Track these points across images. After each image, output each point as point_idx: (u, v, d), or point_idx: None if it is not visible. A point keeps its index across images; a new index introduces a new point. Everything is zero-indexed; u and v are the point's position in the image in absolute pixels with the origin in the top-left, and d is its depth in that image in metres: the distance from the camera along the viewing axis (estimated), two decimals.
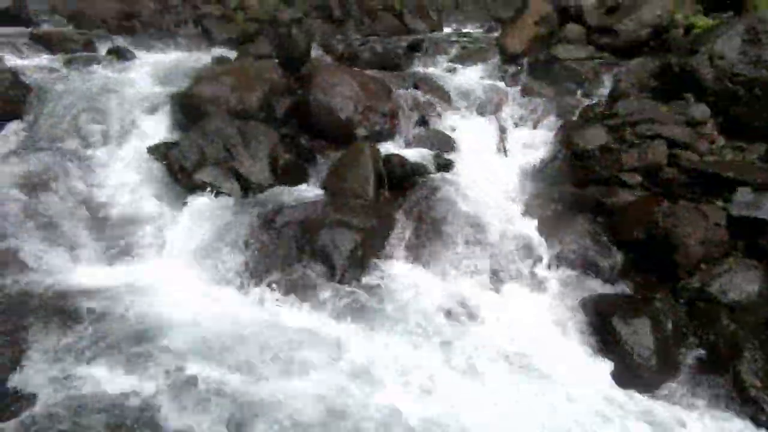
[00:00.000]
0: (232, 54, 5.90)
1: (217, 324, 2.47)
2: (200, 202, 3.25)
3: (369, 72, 4.69)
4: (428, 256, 3.19)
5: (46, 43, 5.82)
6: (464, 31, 9.31)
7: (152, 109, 4.14)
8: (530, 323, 2.72)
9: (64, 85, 4.45)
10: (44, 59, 5.51)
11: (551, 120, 4.15)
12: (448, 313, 2.79)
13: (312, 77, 4.20)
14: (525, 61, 4.76)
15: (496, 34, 8.68)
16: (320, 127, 4.05)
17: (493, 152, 4.09)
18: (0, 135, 3.69)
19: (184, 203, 3.25)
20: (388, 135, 4.15)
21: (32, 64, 5.21)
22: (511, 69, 4.83)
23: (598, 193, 3.17)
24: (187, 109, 4.02)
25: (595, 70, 4.40)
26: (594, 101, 4.07)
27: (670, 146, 3.23)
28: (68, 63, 5.28)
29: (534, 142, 4.01)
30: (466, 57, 5.51)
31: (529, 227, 3.23)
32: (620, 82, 4.02)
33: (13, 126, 3.78)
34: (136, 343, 2.27)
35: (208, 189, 3.29)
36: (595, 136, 3.44)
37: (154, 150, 3.64)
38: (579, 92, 4.31)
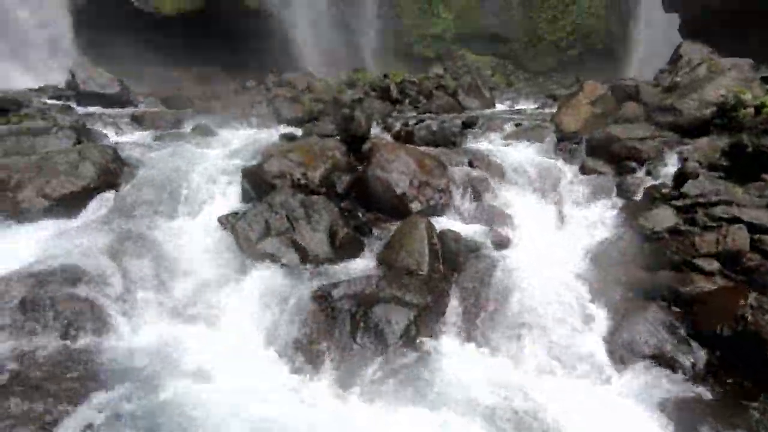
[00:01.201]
0: (299, 132, 6.42)
1: (266, 401, 2.47)
2: (262, 271, 3.40)
3: (425, 149, 4.90)
4: (482, 336, 3.06)
5: (142, 122, 6.67)
6: (517, 108, 9.58)
7: (227, 181, 4.53)
8: (593, 421, 2.47)
9: (154, 159, 5.02)
10: (139, 136, 6.30)
11: (613, 199, 4.05)
12: (503, 399, 2.60)
13: (371, 154, 4.45)
14: (582, 138, 4.76)
15: (549, 111, 8.92)
16: (377, 202, 4.21)
17: (551, 230, 4.00)
18: (96, 204, 4.16)
19: (248, 272, 3.41)
20: (443, 210, 4.22)
21: (130, 140, 5.97)
22: (568, 147, 4.84)
23: (671, 280, 2.96)
24: (257, 182, 4.35)
25: (657, 148, 4.31)
26: (659, 181, 3.94)
27: (750, 231, 3.01)
28: (159, 139, 5.99)
29: (595, 221, 3.90)
30: (521, 134, 5.62)
31: (594, 312, 3.04)
32: (687, 161, 3.89)
33: (108, 195, 4.26)
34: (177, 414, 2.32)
35: (271, 259, 3.45)
36: (663, 218, 3.30)
37: (224, 220, 3.92)
38: (641, 171, 4.20)
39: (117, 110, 7.87)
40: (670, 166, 4.13)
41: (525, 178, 4.49)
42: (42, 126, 4.87)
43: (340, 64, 17.04)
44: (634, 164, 4.27)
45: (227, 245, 3.68)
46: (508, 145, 5.37)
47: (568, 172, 4.51)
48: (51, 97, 8.67)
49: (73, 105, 8.14)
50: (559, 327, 2.98)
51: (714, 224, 3.11)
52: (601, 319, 2.98)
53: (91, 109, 7.90)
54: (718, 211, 3.17)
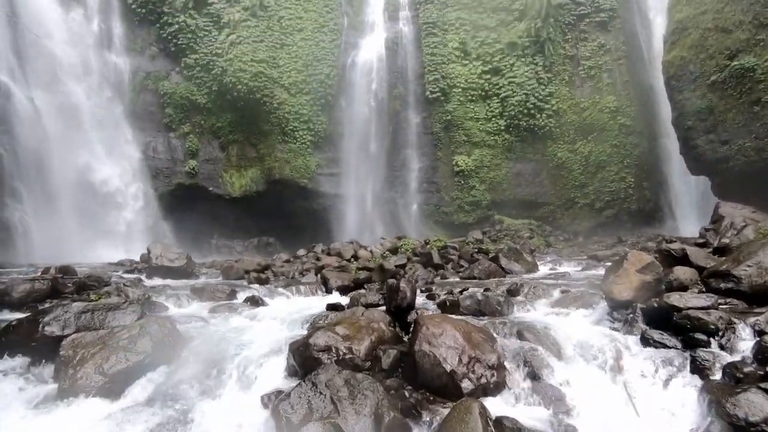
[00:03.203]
0: (345, 300, 6.60)
1: None
2: None
3: (471, 320, 4.82)
4: None
5: (200, 294, 7.14)
6: (561, 270, 9.53)
7: (274, 356, 4.54)
8: None
9: (206, 333, 5.22)
10: (197, 307, 6.69)
11: (686, 377, 3.64)
12: None
13: (417, 327, 4.41)
14: (637, 308, 4.56)
15: (594, 273, 8.80)
16: (425, 379, 3.99)
17: (619, 414, 3.54)
18: (146, 380, 4.22)
19: None
20: (495, 389, 3.91)
21: (187, 312, 6.33)
22: (623, 317, 4.62)
23: None
24: (303, 357, 4.33)
25: (725, 320, 4.01)
26: (737, 357, 3.57)
27: None
28: (213, 311, 6.31)
29: (670, 404, 3.44)
30: (570, 302, 5.48)
31: None
32: (764, 335, 3.57)
33: (160, 371, 4.34)
34: None
35: None
36: (757, 405, 2.87)
37: (267, 399, 3.81)
38: (713, 344, 3.85)
39: (180, 282, 8.57)
40: (747, 340, 3.77)
41: (582, 351, 4.20)
42: (115, 302, 5.33)
43: (384, 232, 18.31)
44: (703, 337, 3.94)
45: (270, 427, 3.49)
46: (557, 314, 5.20)
47: (629, 344, 4.20)
48: (127, 271, 9.67)
49: (143, 278, 8.99)
50: None
51: None
52: None
53: (159, 281, 8.66)
54: None
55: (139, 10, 18.32)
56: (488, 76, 19.29)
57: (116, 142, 17.14)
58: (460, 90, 19.23)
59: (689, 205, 18.67)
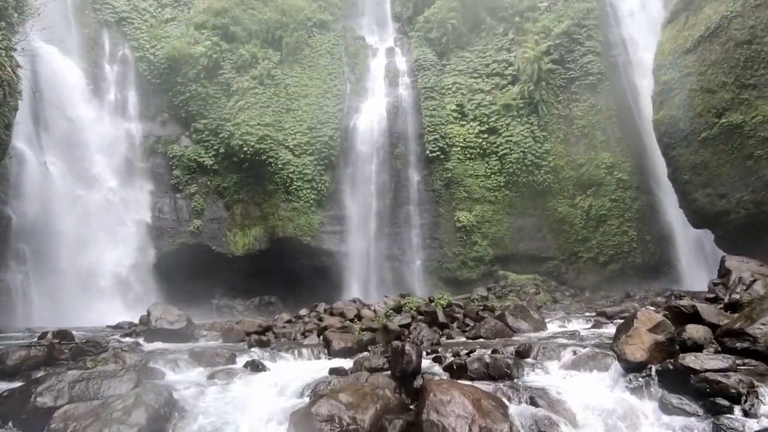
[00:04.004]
0: (349, 363, 6.37)
1: None
2: None
3: (480, 385, 4.63)
4: None
5: (199, 358, 6.92)
6: (570, 328, 9.27)
7: (276, 426, 4.32)
8: None
9: (203, 402, 5.01)
10: (194, 373, 6.45)
11: None
12: None
13: (424, 394, 4.23)
14: (652, 370, 4.39)
15: (605, 331, 8.55)
16: None
17: None
18: None
19: None
20: None
21: (185, 378, 6.10)
22: (638, 380, 4.43)
23: None
24: (306, 427, 4.12)
25: (744, 382, 3.85)
26: (764, 425, 3.38)
27: None
28: (212, 377, 6.09)
29: None
30: (582, 363, 5.29)
31: None
32: None
33: None
34: None
35: None
36: None
37: None
38: (736, 411, 3.67)
39: (179, 345, 8.34)
40: None
41: (598, 420, 3.99)
42: (111, 369, 5.17)
43: (387, 289, 18.07)
44: (725, 402, 3.76)
45: None
46: (570, 377, 5.00)
47: (647, 411, 4.00)
48: (125, 334, 9.44)
49: (142, 341, 8.76)
50: None
51: None
52: None
53: (157, 345, 8.43)
54: None
55: (154, 80, 19.44)
56: (486, 136, 19.97)
57: (125, 205, 17.46)
58: (459, 149, 19.83)
59: (695, 258, 18.50)
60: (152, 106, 19.64)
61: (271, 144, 19.13)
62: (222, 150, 19.20)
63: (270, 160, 19.05)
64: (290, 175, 19.19)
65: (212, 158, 19.35)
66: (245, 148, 18.84)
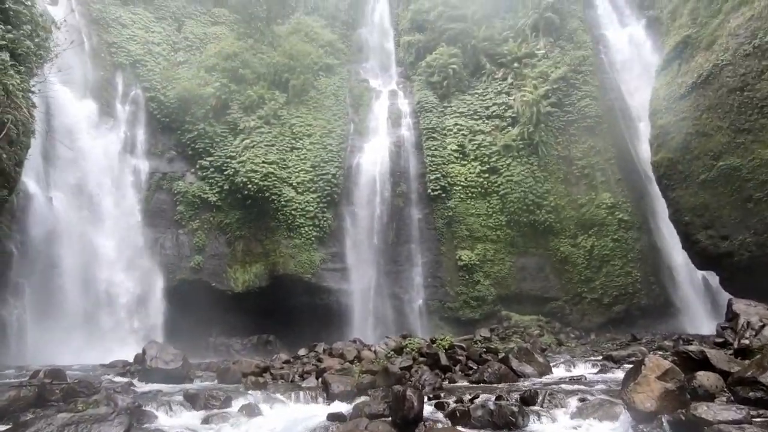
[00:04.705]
0: (348, 408, 6.16)
1: None
2: None
3: None
4: None
5: (193, 401, 6.70)
6: (576, 373, 9.00)
7: None
8: None
9: None
10: (188, 417, 6.24)
11: None
12: None
13: None
14: (663, 421, 4.22)
15: (612, 377, 8.30)
16: None
17: None
18: None
19: None
20: None
21: (178, 423, 5.90)
22: (649, 431, 4.26)
23: None
24: None
25: None
26: None
27: None
28: (206, 421, 5.89)
29: None
30: (590, 412, 5.10)
31: None
32: None
33: None
34: None
35: None
36: None
37: None
38: None
39: (174, 386, 8.10)
40: None
41: None
42: (102, 413, 5.00)
43: (388, 329, 17.72)
44: None
45: None
46: (578, 427, 4.80)
47: None
48: (119, 374, 9.19)
49: (136, 382, 8.52)
50: None
51: None
52: None
53: (152, 386, 8.19)
54: None
55: (164, 119, 20.00)
56: (487, 175, 20.23)
57: (129, 242, 17.49)
58: (460, 188, 20.04)
59: (701, 300, 18.20)
60: (160, 144, 20.07)
61: (275, 181, 19.39)
62: (226, 186, 19.44)
63: (273, 197, 19.24)
64: (293, 212, 19.32)
65: (216, 194, 19.55)
66: (249, 185, 19.07)
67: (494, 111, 21.35)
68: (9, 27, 9.84)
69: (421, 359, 9.95)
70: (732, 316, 9.81)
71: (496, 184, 20.07)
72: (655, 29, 20.34)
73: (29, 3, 10.66)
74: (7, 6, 9.90)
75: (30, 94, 10.54)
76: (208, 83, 20.50)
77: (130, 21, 20.81)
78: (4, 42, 9.54)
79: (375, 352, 10.84)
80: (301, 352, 12.59)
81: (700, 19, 15.22)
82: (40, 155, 14.97)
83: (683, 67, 15.32)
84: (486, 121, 21.26)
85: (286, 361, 11.21)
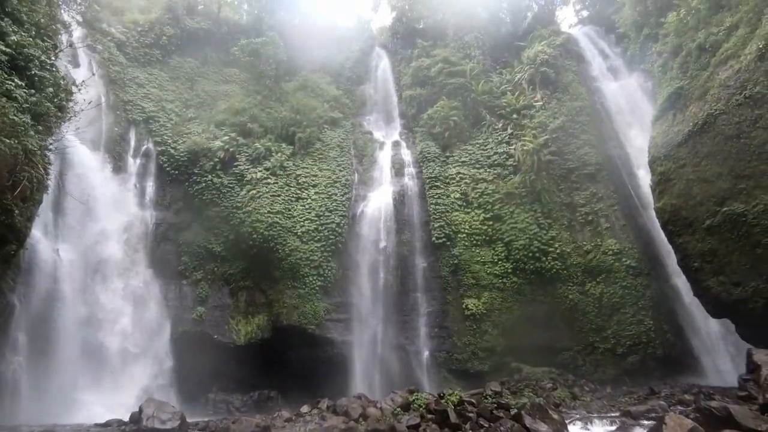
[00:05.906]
0: None
1: None
2: None
3: None
4: None
5: None
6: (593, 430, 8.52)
7: None
8: None
9: None
10: None
11: None
12: None
13: None
14: None
15: None
16: None
17: None
18: None
19: None
20: None
21: None
22: None
23: None
24: None
25: None
26: None
27: None
28: None
29: None
30: None
31: None
32: None
33: None
34: None
35: None
36: None
37: None
38: None
39: None
40: None
41: None
42: None
43: (393, 382, 17.05)
44: None
45: None
46: None
47: None
48: None
49: None
50: None
51: None
52: None
53: None
54: None
55: (173, 172, 20.54)
56: (491, 222, 20.28)
57: (135, 295, 17.38)
58: (464, 235, 20.02)
59: (719, 349, 17.51)
60: (168, 195, 20.46)
61: (279, 231, 19.51)
62: (231, 237, 19.56)
63: (278, 246, 19.28)
64: (297, 261, 19.26)
65: (221, 245, 19.64)
66: (254, 235, 19.19)
67: (496, 160, 21.80)
68: (32, 91, 10.39)
69: (429, 416, 9.50)
70: (753, 368, 9.42)
71: (500, 232, 20.07)
72: (647, 81, 21.17)
73: (53, 69, 11.33)
74: (33, 72, 10.52)
75: (47, 152, 10.92)
76: (217, 137, 21.23)
77: (146, 80, 21.97)
78: (27, 105, 10.04)
79: (381, 409, 10.38)
80: (304, 409, 12.07)
81: (690, 72, 15.86)
82: (50, 208, 15.26)
83: (678, 116, 15.76)
84: (488, 170, 21.64)
85: (288, 419, 10.73)
